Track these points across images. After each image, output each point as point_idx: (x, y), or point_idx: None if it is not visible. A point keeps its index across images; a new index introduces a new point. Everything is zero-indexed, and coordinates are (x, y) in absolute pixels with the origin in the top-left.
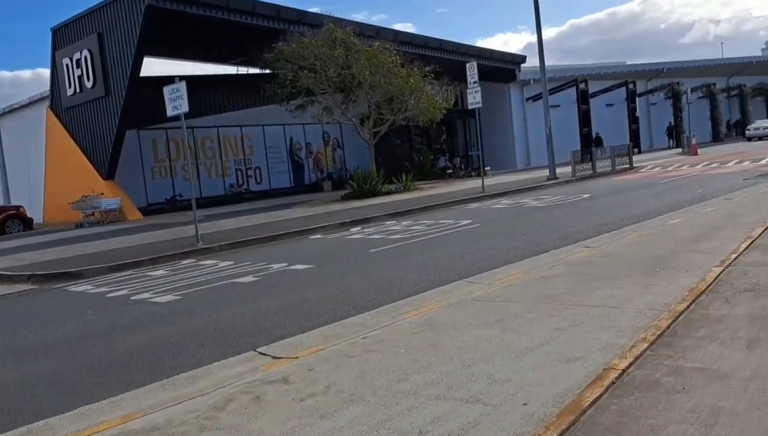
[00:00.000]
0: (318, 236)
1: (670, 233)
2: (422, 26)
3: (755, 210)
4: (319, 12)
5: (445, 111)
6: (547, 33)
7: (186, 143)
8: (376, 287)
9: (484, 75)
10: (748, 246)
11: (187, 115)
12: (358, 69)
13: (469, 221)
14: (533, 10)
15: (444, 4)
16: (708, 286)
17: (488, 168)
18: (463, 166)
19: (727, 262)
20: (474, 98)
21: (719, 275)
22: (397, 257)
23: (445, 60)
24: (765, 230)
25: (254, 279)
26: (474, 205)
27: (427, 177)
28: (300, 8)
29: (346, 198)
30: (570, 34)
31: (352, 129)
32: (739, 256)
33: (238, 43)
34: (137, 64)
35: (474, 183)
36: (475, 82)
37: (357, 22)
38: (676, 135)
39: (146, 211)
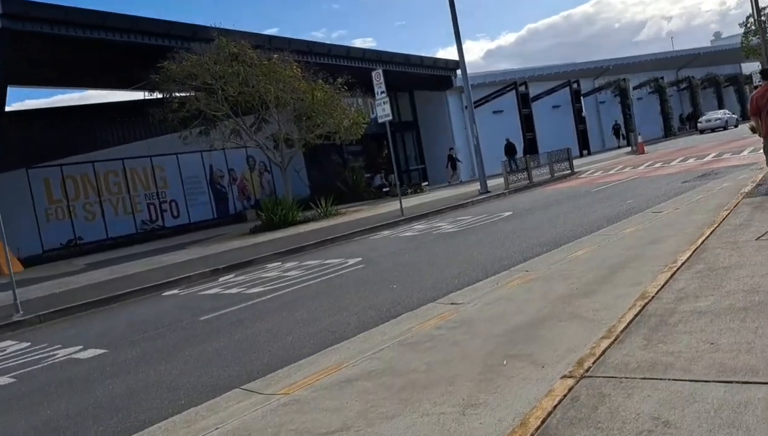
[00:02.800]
0: (175, 290)
1: (561, 276)
2: (383, 40)
3: (678, 231)
4: (208, 25)
5: (365, 126)
6: (506, 39)
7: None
8: (154, 392)
9: (419, 83)
10: (639, 311)
11: (86, 149)
12: (260, 86)
13: (358, 260)
14: (455, 21)
15: (402, 17)
16: (555, 405)
17: (426, 183)
18: (395, 184)
19: (594, 355)
20: (383, 110)
21: (577, 381)
22: (221, 331)
23: (364, 70)
24: (670, 277)
25: (9, 381)
26: (385, 233)
27: (361, 198)
28: (187, 22)
29: (255, 231)
30: (528, 39)
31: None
32: (620, 334)
33: (128, 65)
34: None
35: (406, 202)
36: (383, 93)
37: (251, 33)
38: (626, 133)
39: (41, 258)
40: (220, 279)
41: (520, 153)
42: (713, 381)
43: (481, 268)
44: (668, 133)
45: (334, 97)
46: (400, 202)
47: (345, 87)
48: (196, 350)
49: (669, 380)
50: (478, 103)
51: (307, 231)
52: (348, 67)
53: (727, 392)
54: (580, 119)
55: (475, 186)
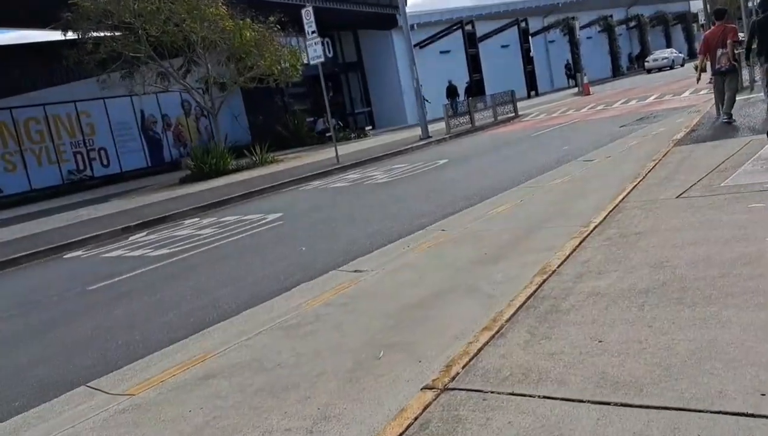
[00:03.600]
0: (79, 252)
1: (474, 237)
2: None
3: (604, 184)
4: None
5: (301, 67)
6: None
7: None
8: None
9: (362, 22)
10: (535, 291)
11: (1, 94)
12: (184, 25)
13: (277, 216)
14: None
15: None
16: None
17: (370, 128)
18: (339, 127)
19: (468, 354)
20: (315, 51)
21: (437, 396)
22: (102, 305)
23: (298, 7)
24: (579, 244)
25: None
26: (316, 183)
27: (304, 143)
28: None
29: (184, 181)
30: None
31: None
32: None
33: (40, 1)
34: None
35: (345, 148)
36: (313, 32)
37: None
38: (573, 74)
39: None
40: (131, 238)
41: (463, 95)
42: (588, 402)
43: (400, 225)
44: (616, 72)
45: (266, 37)
46: (336, 150)
47: (278, 26)
48: (63, 330)
49: (538, 397)
50: (424, 43)
51: (237, 181)
52: (279, 5)
53: (600, 421)
54: (528, 60)
55: (417, 131)
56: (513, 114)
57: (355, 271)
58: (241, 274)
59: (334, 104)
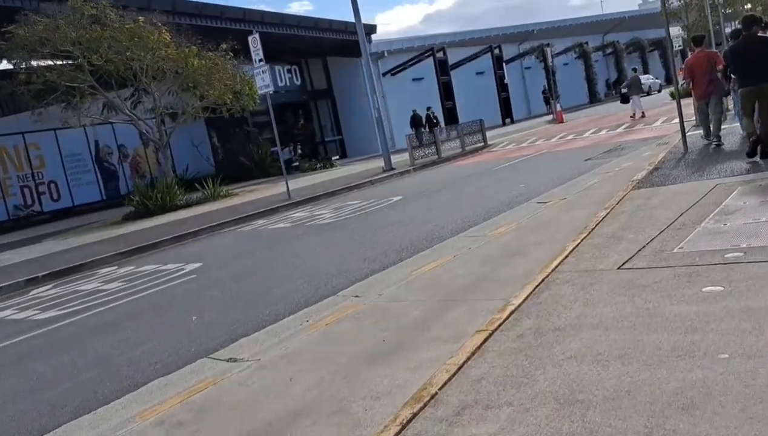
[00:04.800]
0: None
1: (382, 313)
2: (320, 4)
3: (548, 237)
4: None
5: (256, 97)
6: (445, 3)
7: None
8: None
9: (330, 50)
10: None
11: None
12: (125, 54)
13: (196, 266)
14: None
15: None
16: None
17: (337, 157)
18: (300, 157)
19: None
20: (263, 81)
21: None
22: None
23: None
24: (482, 342)
25: None
26: (259, 222)
27: (268, 174)
28: None
29: (128, 218)
30: (468, 2)
31: (184, 124)
32: None
33: None
34: None
35: (305, 180)
36: (260, 61)
37: None
38: (548, 101)
39: None
40: (32, 292)
41: (445, 122)
42: None
43: (314, 287)
44: (593, 99)
45: (218, 65)
46: (287, 186)
47: (230, 54)
48: None
49: None
50: (396, 71)
51: (180, 220)
52: (232, 31)
53: None
54: (502, 87)
55: (382, 162)
56: (482, 144)
57: (229, 359)
58: (103, 356)
59: (303, 133)
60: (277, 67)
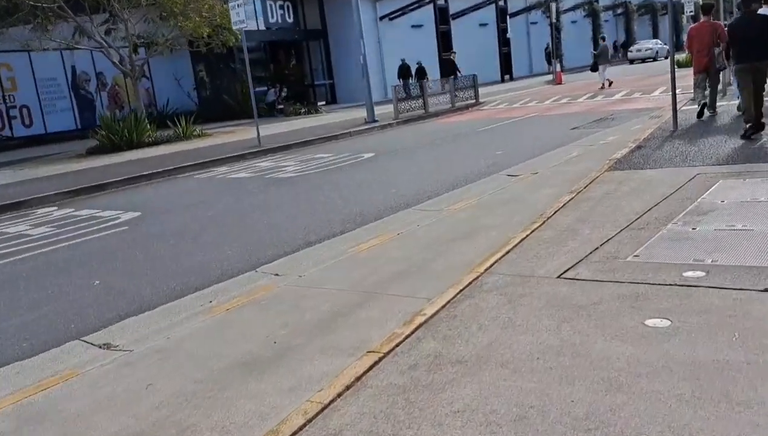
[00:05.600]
0: None
1: (295, 300)
2: None
3: (505, 220)
4: None
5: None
6: None
7: None
8: None
9: None
10: None
11: None
12: None
13: (134, 216)
14: None
15: None
16: None
17: (323, 103)
18: (284, 100)
19: None
20: (237, 15)
21: None
22: None
23: None
24: (379, 361)
25: None
26: (221, 169)
27: (250, 115)
28: None
29: (92, 153)
30: None
31: (168, 54)
32: None
33: None
34: None
35: (284, 126)
36: None
37: None
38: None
39: None
40: None
41: (414, 78)
42: None
43: (237, 258)
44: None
45: None
46: (257, 131)
47: None
48: None
49: None
50: (394, 15)
51: (143, 158)
52: None
53: None
54: (504, 41)
55: (379, 109)
56: (473, 101)
57: (102, 345)
58: None
59: (294, 74)
60: (269, 2)
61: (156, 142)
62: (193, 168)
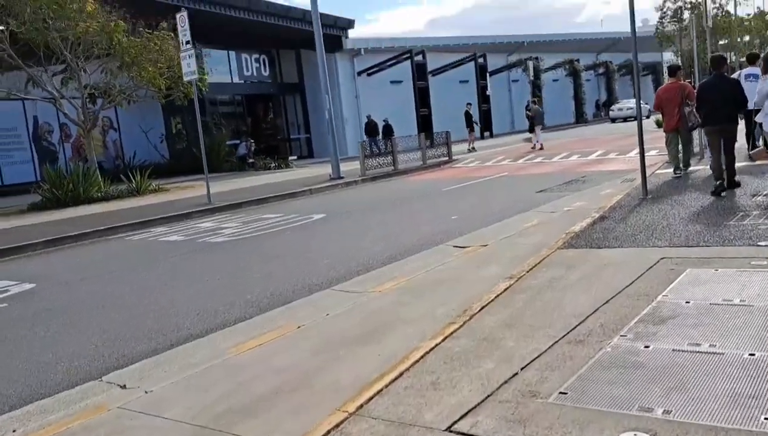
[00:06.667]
0: None
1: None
2: (323, 0)
3: (423, 313)
4: None
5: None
6: (450, 9)
7: None
8: None
9: (305, 42)
10: None
11: None
12: (39, 23)
13: (27, 289)
14: None
15: None
16: None
17: (293, 157)
18: (254, 154)
19: None
20: (188, 66)
21: None
22: None
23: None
24: None
25: None
26: (159, 229)
27: (221, 169)
28: None
29: (34, 208)
30: (473, 10)
31: (138, 105)
32: None
33: None
34: None
35: (246, 181)
36: (188, 43)
37: None
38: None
39: None
40: None
41: (412, 130)
42: None
43: (98, 354)
44: (580, 119)
45: (156, 44)
46: (207, 188)
47: (171, 34)
48: None
49: None
50: (372, 71)
51: (83, 216)
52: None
53: None
54: (484, 98)
55: (351, 165)
56: (446, 158)
57: None
58: None
59: (269, 128)
60: (244, 56)
61: (106, 198)
62: (129, 228)
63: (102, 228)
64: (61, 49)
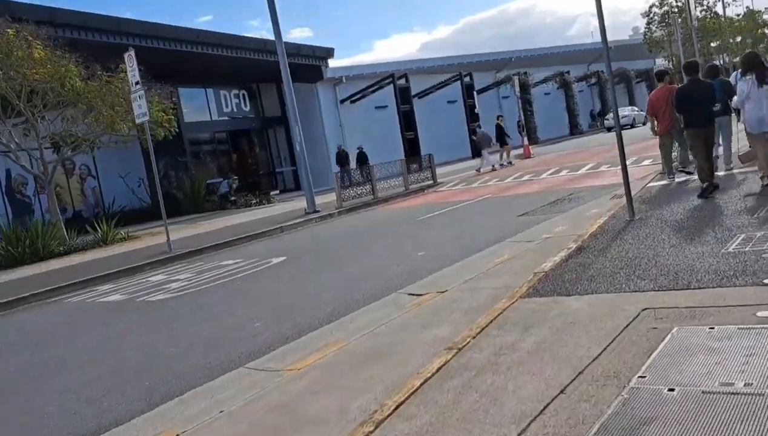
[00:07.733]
0: None
1: None
2: (321, 31)
3: (343, 405)
4: None
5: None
6: (441, 32)
7: None
8: None
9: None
10: None
11: None
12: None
13: None
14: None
15: (340, 7)
16: None
17: (276, 192)
18: (235, 191)
19: None
20: (139, 108)
21: None
22: None
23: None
24: None
25: None
26: (102, 288)
27: (202, 209)
28: None
29: None
30: (465, 32)
31: (114, 151)
32: None
33: None
34: None
35: (220, 222)
36: (137, 84)
37: None
38: (527, 132)
39: None
40: None
41: (354, 163)
42: None
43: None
44: (574, 130)
45: (115, 87)
46: (167, 236)
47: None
48: None
49: None
50: (356, 98)
51: (30, 276)
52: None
53: None
54: (473, 117)
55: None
56: (430, 181)
57: None
58: None
59: (254, 163)
60: (222, 92)
61: (68, 252)
62: (73, 288)
63: (44, 290)
64: (14, 99)
